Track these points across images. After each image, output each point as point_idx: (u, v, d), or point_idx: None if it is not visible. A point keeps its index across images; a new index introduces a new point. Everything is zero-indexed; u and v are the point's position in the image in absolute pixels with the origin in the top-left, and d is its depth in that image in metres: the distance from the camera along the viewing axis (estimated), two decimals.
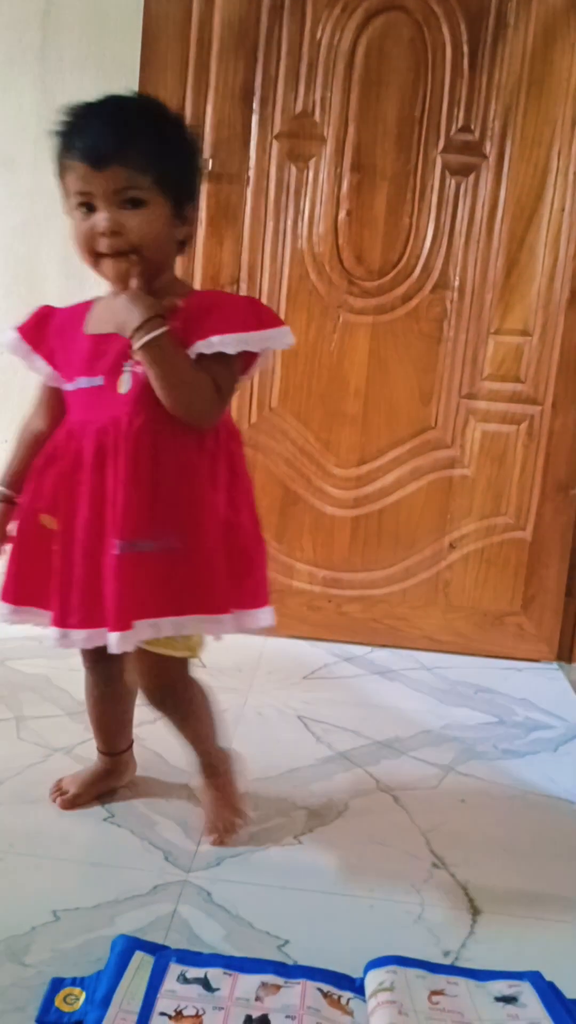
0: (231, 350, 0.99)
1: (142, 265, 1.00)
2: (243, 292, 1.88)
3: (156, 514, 1.00)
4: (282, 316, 1.88)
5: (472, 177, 1.83)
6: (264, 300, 1.88)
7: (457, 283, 1.86)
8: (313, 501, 1.94)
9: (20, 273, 2.13)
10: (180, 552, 1.00)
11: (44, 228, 2.16)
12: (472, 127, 1.81)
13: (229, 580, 1.04)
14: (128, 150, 0.98)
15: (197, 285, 1.88)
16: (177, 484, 1.01)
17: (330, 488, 1.94)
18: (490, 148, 1.82)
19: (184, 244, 1.08)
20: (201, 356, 0.99)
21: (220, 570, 1.03)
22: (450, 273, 1.86)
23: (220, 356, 0.99)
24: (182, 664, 1.12)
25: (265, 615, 1.09)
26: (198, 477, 1.02)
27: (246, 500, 1.09)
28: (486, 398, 1.90)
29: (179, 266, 1.88)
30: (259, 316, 1.03)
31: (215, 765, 1.18)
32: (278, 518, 1.95)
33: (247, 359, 1.04)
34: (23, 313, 1.18)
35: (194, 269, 1.88)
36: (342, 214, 1.85)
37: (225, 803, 1.16)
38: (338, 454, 1.93)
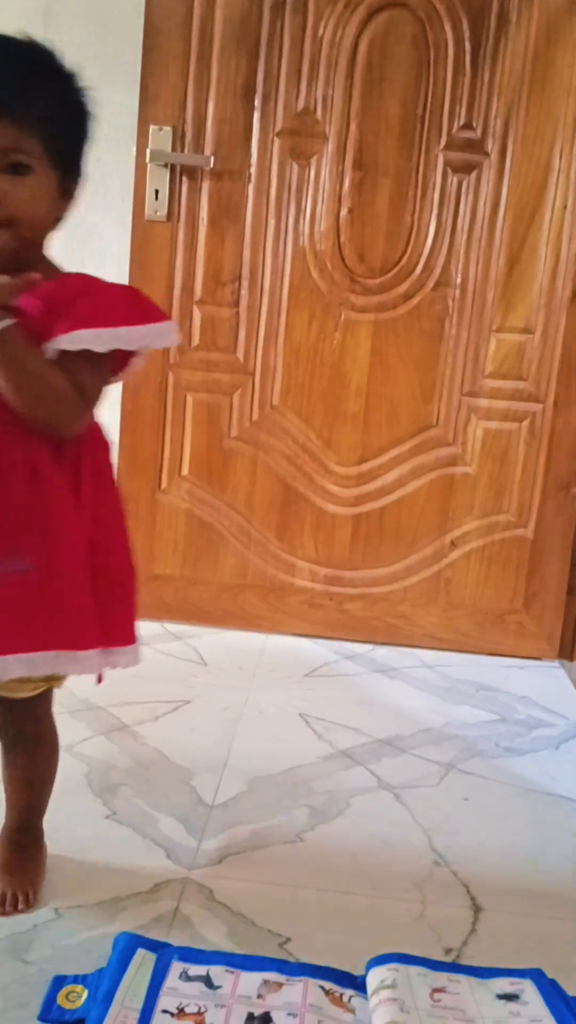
0: (101, 348, 0.84)
1: (15, 243, 0.85)
2: (245, 291, 1.88)
3: (2, 531, 0.85)
4: (284, 314, 1.89)
5: (474, 175, 1.83)
6: (266, 298, 1.88)
7: (459, 281, 1.86)
8: (314, 499, 1.94)
9: None
10: (32, 576, 0.85)
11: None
12: (474, 125, 1.81)
13: (94, 610, 0.90)
14: (21, 106, 0.83)
15: (198, 285, 1.88)
16: (28, 497, 0.85)
17: (331, 486, 1.94)
18: (492, 146, 1.82)
19: (59, 221, 0.94)
20: (64, 353, 0.83)
21: (81, 597, 0.89)
22: (452, 271, 1.86)
23: (87, 354, 0.84)
24: (39, 702, 1.00)
25: (130, 654, 0.96)
26: (55, 490, 0.87)
27: (115, 518, 0.95)
28: (488, 396, 1.90)
29: (181, 264, 1.88)
30: (138, 309, 0.89)
31: (34, 826, 1.03)
32: (279, 516, 1.95)
33: (121, 359, 0.89)
34: None
35: (195, 267, 1.88)
36: (344, 212, 1.85)
37: (24, 872, 0.98)
38: (339, 452, 1.93)
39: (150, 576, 1.98)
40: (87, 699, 1.52)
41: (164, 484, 1.96)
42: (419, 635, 1.97)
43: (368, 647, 1.95)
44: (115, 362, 0.89)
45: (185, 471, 1.95)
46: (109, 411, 2.14)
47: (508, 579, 1.94)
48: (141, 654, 0.97)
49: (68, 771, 1.26)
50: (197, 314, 1.90)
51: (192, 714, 1.52)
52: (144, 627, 2.00)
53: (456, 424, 1.91)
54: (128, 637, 0.96)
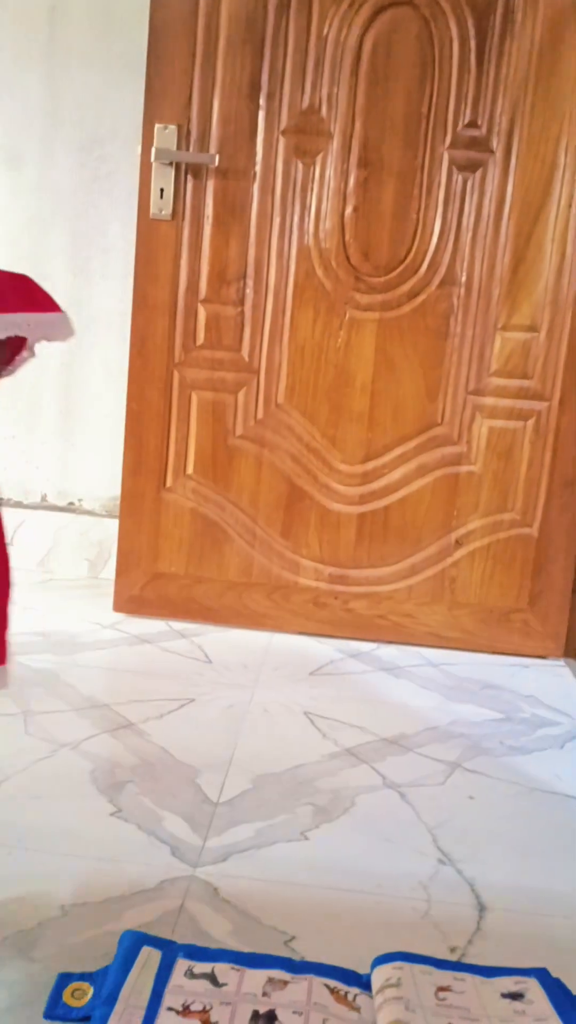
0: None
1: None
2: (250, 290, 1.88)
3: None
4: (288, 313, 1.89)
5: (479, 173, 1.83)
6: (271, 296, 1.88)
7: (464, 279, 1.86)
8: (319, 497, 1.94)
9: (27, 269, 2.13)
10: None
11: (50, 225, 2.16)
12: (479, 123, 1.81)
13: None
14: None
15: (203, 283, 1.89)
16: None
17: (336, 484, 1.94)
18: (497, 144, 1.81)
19: None
20: None
21: None
22: (457, 269, 1.86)
23: None
24: None
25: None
26: None
27: None
28: (493, 394, 1.89)
29: (186, 262, 1.88)
30: (31, 296, 0.83)
31: None
32: (284, 514, 1.95)
33: (10, 350, 0.83)
34: None
35: (200, 265, 1.88)
36: (349, 210, 1.85)
37: None
38: (344, 450, 1.93)
39: (155, 574, 1.98)
40: (92, 697, 1.53)
41: (169, 482, 1.96)
42: (424, 634, 1.97)
43: (373, 645, 1.95)
44: (5, 354, 0.82)
45: (190, 469, 1.95)
46: (115, 409, 2.14)
47: (513, 577, 1.94)
48: (11, 677, 0.88)
49: (73, 768, 1.27)
50: (202, 312, 1.90)
51: (197, 712, 1.52)
52: (149, 625, 2.02)
53: (461, 422, 1.91)
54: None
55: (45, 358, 2.17)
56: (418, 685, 1.75)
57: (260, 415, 1.93)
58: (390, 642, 1.96)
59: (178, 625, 1.96)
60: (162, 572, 1.98)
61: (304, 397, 1.92)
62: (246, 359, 1.91)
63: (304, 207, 1.85)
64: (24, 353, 0.84)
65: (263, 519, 1.95)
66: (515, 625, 1.96)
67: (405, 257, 1.86)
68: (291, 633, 1.97)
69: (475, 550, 1.94)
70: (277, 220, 1.86)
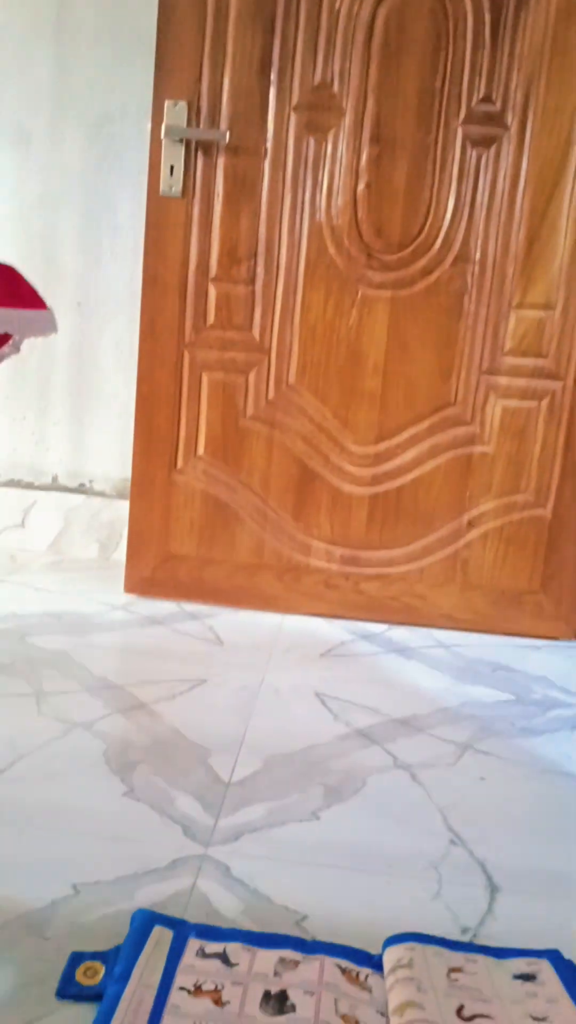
0: None
1: None
2: (261, 268, 1.87)
3: None
4: (300, 292, 1.87)
5: (493, 149, 1.80)
6: (282, 275, 1.87)
7: (478, 256, 1.84)
8: (331, 479, 1.93)
9: (36, 248, 2.12)
10: None
11: (61, 203, 2.15)
12: (493, 98, 1.78)
13: None
14: None
15: (213, 262, 1.87)
16: None
17: (348, 466, 1.93)
18: (512, 119, 1.79)
19: None
20: None
21: None
22: (471, 246, 1.83)
23: None
24: None
25: None
26: None
27: None
28: (507, 374, 1.88)
29: (196, 240, 1.87)
30: (16, 290, 0.80)
31: None
32: (295, 496, 1.94)
33: None
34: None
35: (210, 244, 1.86)
36: (361, 187, 1.82)
37: None
38: (356, 431, 1.91)
39: (166, 556, 1.98)
40: (104, 677, 1.53)
41: (180, 464, 1.95)
42: (436, 615, 1.96)
43: (384, 627, 1.94)
44: None
45: (201, 451, 1.94)
46: (126, 390, 2.14)
47: (526, 559, 1.93)
48: None
49: (86, 748, 1.27)
50: (212, 292, 1.89)
51: (209, 693, 1.52)
52: (160, 606, 2.02)
53: (474, 403, 1.89)
54: None
55: (55, 339, 2.16)
56: (429, 666, 1.74)
57: (271, 396, 1.92)
58: (401, 623, 1.96)
59: (189, 606, 1.96)
60: (173, 554, 1.98)
61: (315, 377, 1.90)
62: (257, 339, 1.90)
63: (316, 184, 1.83)
64: (5, 348, 0.81)
65: (274, 500, 1.95)
66: (527, 607, 1.95)
67: (418, 234, 1.84)
68: (302, 615, 1.97)
69: (488, 531, 1.93)
70: (288, 197, 1.84)
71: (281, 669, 1.65)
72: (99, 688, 1.49)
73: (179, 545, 1.98)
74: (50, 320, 0.82)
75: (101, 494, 2.27)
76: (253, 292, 1.88)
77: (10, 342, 0.81)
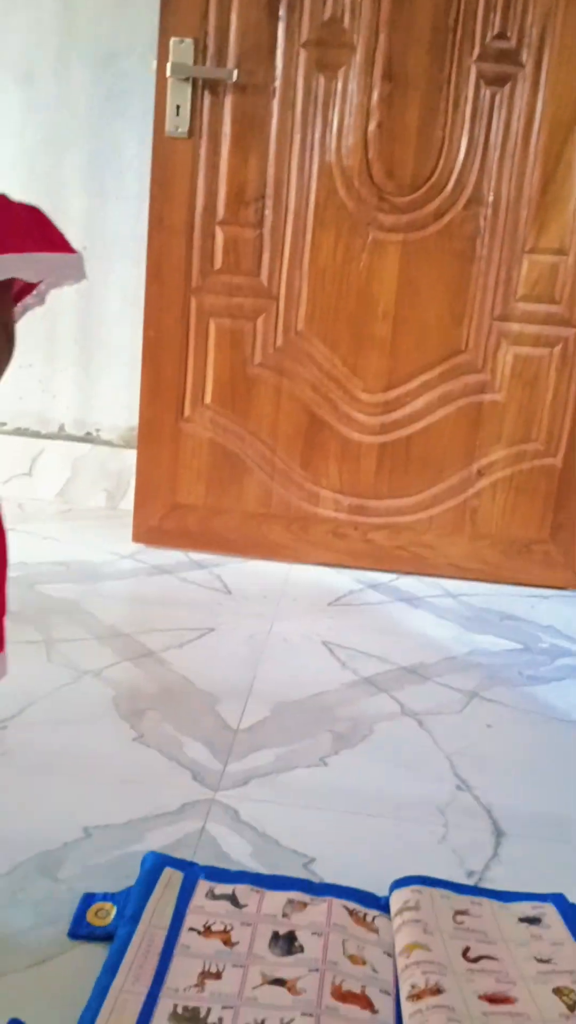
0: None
1: None
2: (269, 211, 1.83)
3: None
4: (309, 235, 1.84)
5: (508, 87, 1.75)
6: (290, 218, 1.83)
7: (491, 199, 1.79)
8: (339, 427, 1.92)
9: (42, 189, 2.08)
10: None
11: (66, 143, 2.10)
12: (508, 34, 1.72)
13: None
14: None
15: (220, 204, 1.83)
16: None
17: (357, 414, 1.91)
18: (527, 56, 1.73)
19: None
20: None
21: None
22: (484, 188, 1.79)
23: None
24: None
25: None
26: None
27: None
28: (519, 320, 1.84)
29: (204, 182, 1.83)
30: (45, 234, 0.72)
31: None
32: (303, 444, 1.93)
33: (18, 292, 0.73)
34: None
35: (217, 185, 1.82)
36: (372, 126, 1.78)
37: None
38: (365, 379, 1.89)
39: (174, 505, 1.98)
40: (113, 626, 1.54)
41: (187, 412, 1.94)
42: (444, 564, 1.96)
43: (392, 576, 1.94)
44: (10, 295, 0.72)
45: (208, 399, 1.93)
46: (133, 337, 2.11)
47: (535, 508, 1.92)
48: (7, 665, 0.78)
49: (95, 695, 1.28)
50: (220, 235, 1.85)
51: (217, 642, 1.53)
52: (168, 555, 2.02)
53: (486, 350, 1.86)
54: None
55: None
56: (437, 615, 1.75)
57: (279, 343, 1.89)
58: (409, 573, 1.96)
59: (197, 556, 1.96)
60: (181, 503, 1.98)
61: (325, 324, 1.88)
62: (265, 284, 1.87)
63: (326, 123, 1.79)
64: (30, 299, 0.74)
65: (282, 449, 1.93)
66: (536, 556, 1.94)
67: (430, 175, 1.79)
68: (310, 564, 1.97)
69: (497, 481, 1.91)
70: (297, 137, 1.79)
71: (289, 618, 1.66)
72: (108, 636, 1.50)
73: (187, 494, 1.97)
74: (79, 266, 0.73)
75: (108, 443, 2.26)
76: (261, 236, 1.85)
77: (35, 291, 0.73)
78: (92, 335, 2.20)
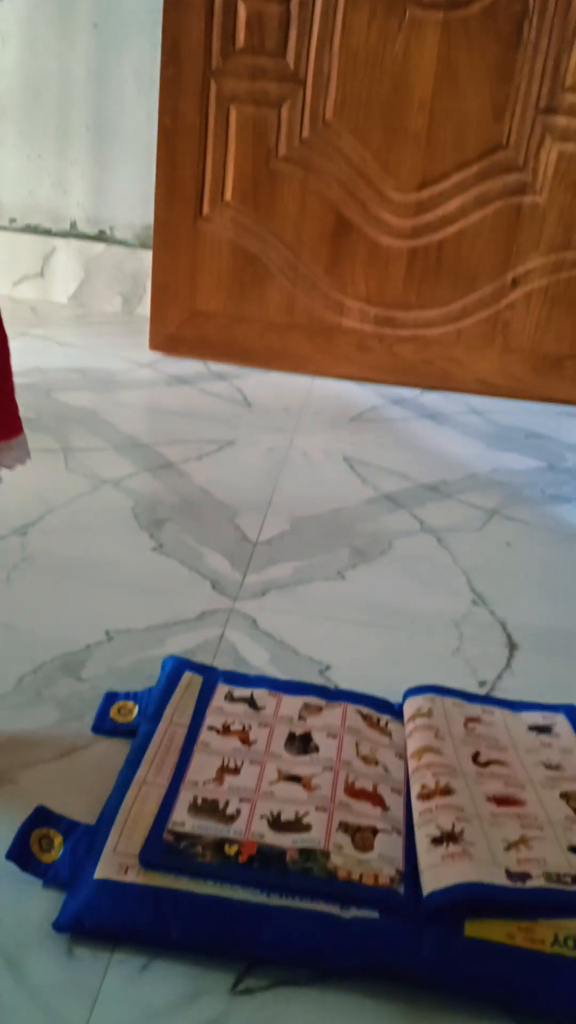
0: None
1: None
2: None
3: None
4: (340, 11, 1.66)
5: None
6: None
7: None
8: (368, 230, 1.81)
9: None
10: None
11: None
12: None
13: None
14: None
15: None
16: None
17: (387, 215, 1.79)
18: None
19: None
20: None
21: None
22: None
23: None
24: None
25: (17, 449, 0.74)
26: None
27: None
28: (567, 113, 1.69)
29: None
30: None
31: None
32: (329, 248, 1.83)
33: None
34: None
35: None
36: None
37: None
38: (398, 176, 1.76)
39: (192, 312, 1.90)
40: (132, 436, 1.52)
41: (206, 210, 1.83)
42: (471, 380, 1.90)
43: (417, 392, 1.89)
44: None
45: (228, 196, 1.81)
46: (148, 125, 1.96)
47: (571, 322, 1.84)
48: (27, 447, 0.75)
49: (115, 504, 1.28)
50: (242, 9, 1.67)
51: (237, 455, 1.51)
52: (187, 365, 1.97)
53: (528, 146, 1.72)
54: (10, 428, 0.74)
55: (70, 65, 1.96)
56: (461, 433, 1.71)
57: (306, 134, 1.75)
58: (435, 388, 1.91)
59: (216, 366, 1.91)
60: (200, 310, 1.90)
61: (355, 114, 1.73)
62: (291, 67, 1.71)
63: None
64: None
65: (307, 253, 1.84)
66: (567, 372, 1.88)
67: None
68: (333, 377, 1.92)
69: (532, 291, 1.82)
70: None
71: (310, 432, 1.63)
72: (127, 446, 1.48)
73: (206, 301, 1.90)
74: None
75: (123, 243, 2.16)
76: (287, 11, 1.67)
77: None
78: (106, 123, 2.05)
